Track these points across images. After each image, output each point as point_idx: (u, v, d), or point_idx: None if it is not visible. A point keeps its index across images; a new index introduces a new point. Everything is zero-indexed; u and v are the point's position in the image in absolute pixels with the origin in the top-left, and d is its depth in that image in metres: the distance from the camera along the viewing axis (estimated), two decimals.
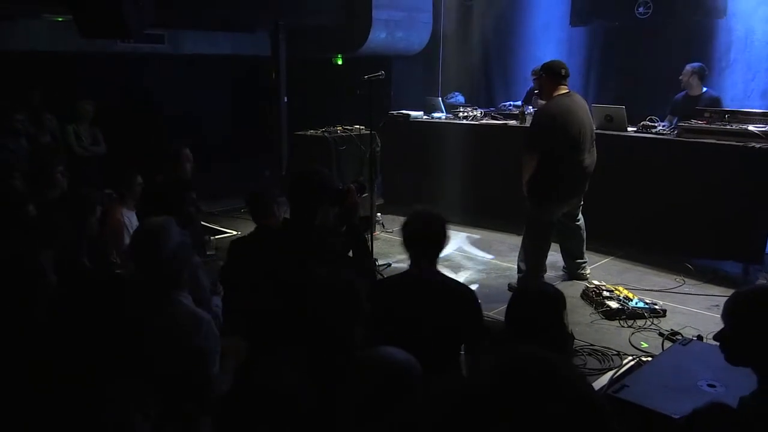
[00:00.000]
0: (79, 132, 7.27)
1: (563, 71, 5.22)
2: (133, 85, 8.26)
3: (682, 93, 6.92)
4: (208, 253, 6.02)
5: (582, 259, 5.71)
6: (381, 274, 5.66)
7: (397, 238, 6.84)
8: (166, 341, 2.44)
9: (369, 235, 5.89)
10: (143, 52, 8.20)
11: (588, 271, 5.71)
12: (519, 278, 5.46)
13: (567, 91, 5.23)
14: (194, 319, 2.51)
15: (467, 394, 1.29)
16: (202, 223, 7.02)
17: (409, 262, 3.04)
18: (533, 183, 5.19)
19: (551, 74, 5.25)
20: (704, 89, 6.85)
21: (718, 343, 2.10)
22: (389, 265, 6.03)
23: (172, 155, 4.94)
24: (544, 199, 5.25)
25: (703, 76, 6.84)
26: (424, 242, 2.97)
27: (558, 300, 2.53)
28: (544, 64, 5.39)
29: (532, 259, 5.39)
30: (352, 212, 3.42)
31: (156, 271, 2.55)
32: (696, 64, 6.87)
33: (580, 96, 5.40)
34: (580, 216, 5.61)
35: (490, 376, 1.27)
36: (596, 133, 5.60)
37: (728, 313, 2.06)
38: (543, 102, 5.54)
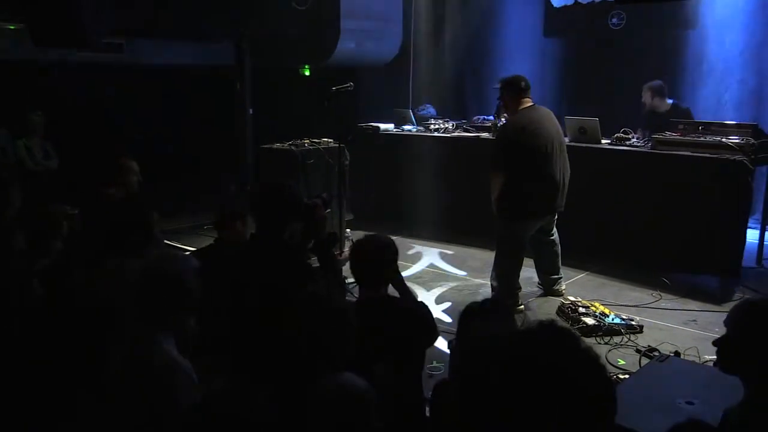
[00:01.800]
0: (30, 146, 7.15)
1: (523, 84, 5.29)
2: (91, 97, 8.15)
3: (646, 109, 7.04)
4: None
5: (557, 274, 5.76)
6: (351, 293, 5.63)
7: None
8: (132, 383, 2.29)
9: (338, 252, 5.87)
10: (101, 62, 8.11)
11: (563, 287, 5.76)
12: (492, 296, 5.48)
13: (531, 104, 5.30)
14: (172, 367, 2.33)
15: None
16: (165, 241, 6.95)
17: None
18: (503, 201, 5.23)
19: (512, 89, 5.32)
20: (670, 102, 6.98)
21: (716, 348, 2.16)
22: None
23: (115, 166, 4.84)
24: (515, 218, 5.29)
25: (663, 93, 6.96)
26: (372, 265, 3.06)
27: (506, 310, 2.58)
28: (503, 80, 5.45)
29: (505, 278, 5.42)
30: (320, 227, 3.42)
31: (154, 310, 2.38)
32: (654, 83, 6.99)
33: (547, 108, 5.47)
34: (555, 231, 5.66)
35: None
36: (569, 146, 5.67)
37: (732, 319, 2.12)
38: (507, 117, 5.61)
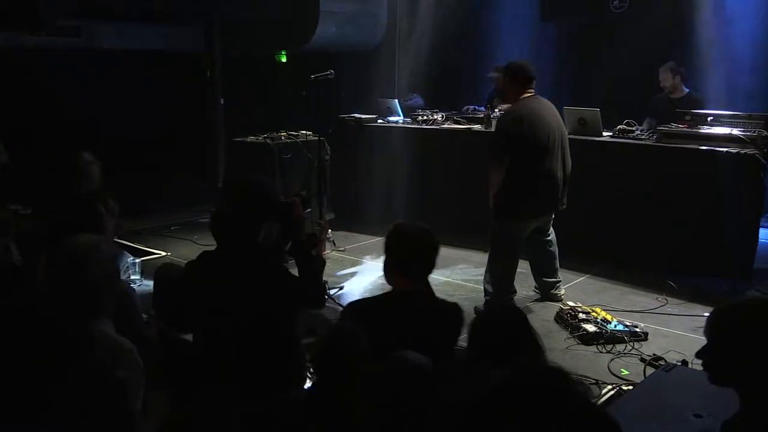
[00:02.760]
0: None
1: (532, 72, 5.28)
2: (45, 85, 8.08)
3: (662, 93, 7.09)
4: (132, 277, 5.92)
5: (555, 277, 5.79)
6: (332, 299, 5.65)
7: (349, 257, 6.87)
8: (82, 373, 2.40)
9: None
10: (57, 47, 8.05)
11: (562, 291, 5.79)
12: (486, 301, 5.50)
13: (533, 93, 5.32)
14: (115, 347, 2.47)
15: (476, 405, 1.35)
16: (127, 242, 6.91)
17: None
18: (499, 197, 5.24)
19: (519, 76, 5.29)
20: (686, 90, 7.04)
21: (701, 361, 2.17)
22: (341, 288, 6.01)
23: (72, 165, 4.77)
24: (513, 215, 5.31)
25: (684, 76, 7.02)
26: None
27: (525, 317, 2.60)
28: (510, 65, 5.42)
29: (499, 281, 5.44)
30: (298, 228, 3.42)
31: (79, 297, 2.50)
32: (671, 63, 7.06)
33: (547, 100, 5.50)
34: (551, 230, 5.69)
35: (500, 390, 1.33)
36: (570, 138, 5.69)
37: (710, 328, 2.13)
38: (505, 105, 5.62)
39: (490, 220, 5.41)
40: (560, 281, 5.82)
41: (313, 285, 3.45)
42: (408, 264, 3.12)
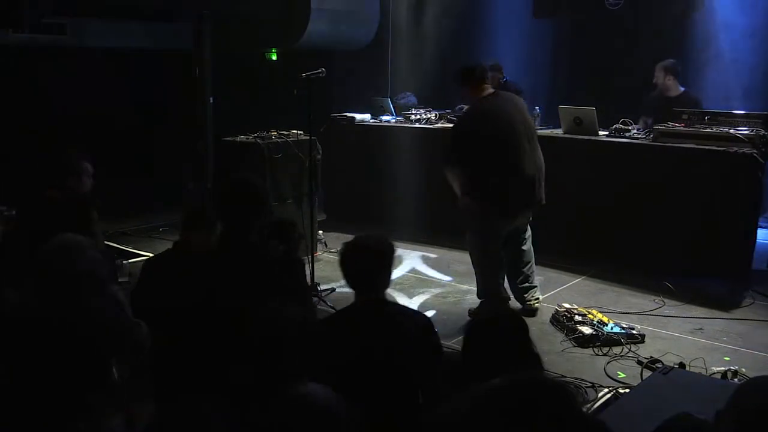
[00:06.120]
0: None
1: (476, 71, 5.24)
2: (29, 84, 8.04)
3: (656, 91, 7.09)
4: (120, 279, 5.90)
5: (529, 282, 5.53)
6: (324, 301, 5.65)
7: None
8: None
9: (309, 257, 5.87)
10: (41, 45, 8.01)
11: (538, 297, 5.55)
12: (480, 303, 5.47)
13: (492, 90, 5.29)
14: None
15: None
16: (114, 244, 6.90)
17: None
18: (469, 197, 5.17)
19: (467, 79, 5.25)
20: (682, 89, 7.05)
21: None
22: (333, 290, 6.00)
23: (69, 167, 4.70)
24: (486, 215, 5.19)
25: (677, 73, 7.02)
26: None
27: (523, 323, 2.58)
28: (460, 72, 5.34)
29: (487, 284, 5.39)
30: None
31: (59, 297, 2.51)
32: (668, 61, 7.04)
33: (513, 94, 5.44)
34: (528, 230, 5.53)
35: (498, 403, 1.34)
36: (564, 138, 5.69)
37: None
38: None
39: (465, 223, 5.35)
40: (536, 287, 5.59)
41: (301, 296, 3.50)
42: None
